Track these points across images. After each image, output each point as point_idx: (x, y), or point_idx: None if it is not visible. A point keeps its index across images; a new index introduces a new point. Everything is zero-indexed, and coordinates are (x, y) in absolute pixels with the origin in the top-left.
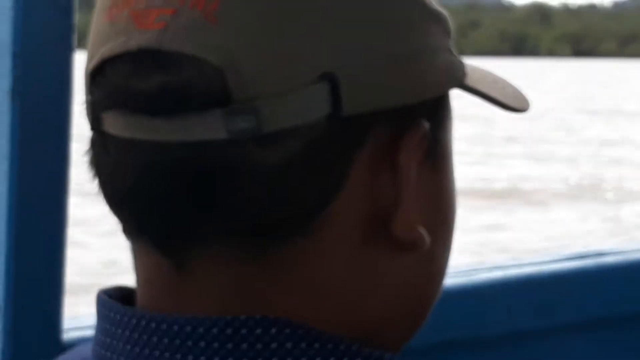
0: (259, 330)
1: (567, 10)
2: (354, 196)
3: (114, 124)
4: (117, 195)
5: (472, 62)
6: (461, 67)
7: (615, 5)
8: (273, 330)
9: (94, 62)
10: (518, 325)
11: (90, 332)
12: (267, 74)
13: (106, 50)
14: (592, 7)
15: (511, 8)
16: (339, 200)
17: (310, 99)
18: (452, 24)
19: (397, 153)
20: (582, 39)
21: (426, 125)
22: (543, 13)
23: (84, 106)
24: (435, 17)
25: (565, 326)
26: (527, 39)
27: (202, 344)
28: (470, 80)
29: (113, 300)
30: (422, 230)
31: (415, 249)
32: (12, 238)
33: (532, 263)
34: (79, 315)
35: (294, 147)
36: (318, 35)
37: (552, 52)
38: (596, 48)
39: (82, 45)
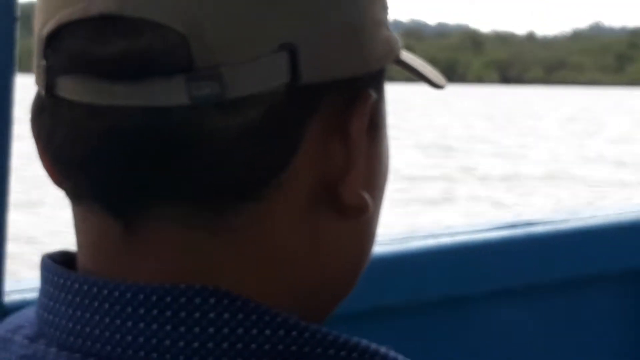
0: (197, 300)
1: (498, 38)
2: (307, 162)
3: (71, 89)
4: (73, 160)
5: (398, 88)
6: (397, 43)
7: (547, 37)
8: (212, 301)
9: (50, 26)
10: (450, 292)
11: (31, 295)
12: (230, 42)
13: (64, 14)
14: (527, 37)
15: (447, 34)
16: (292, 166)
17: (270, 67)
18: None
19: (349, 121)
20: (510, 66)
21: (374, 95)
22: (475, 40)
23: (36, 70)
24: None
25: (495, 293)
26: (456, 65)
27: (142, 310)
28: (404, 57)
29: (57, 264)
30: (367, 196)
31: (360, 214)
32: None
33: (464, 232)
34: (21, 279)
35: (253, 113)
36: (279, 5)
37: (479, 78)
38: (523, 75)
39: None
